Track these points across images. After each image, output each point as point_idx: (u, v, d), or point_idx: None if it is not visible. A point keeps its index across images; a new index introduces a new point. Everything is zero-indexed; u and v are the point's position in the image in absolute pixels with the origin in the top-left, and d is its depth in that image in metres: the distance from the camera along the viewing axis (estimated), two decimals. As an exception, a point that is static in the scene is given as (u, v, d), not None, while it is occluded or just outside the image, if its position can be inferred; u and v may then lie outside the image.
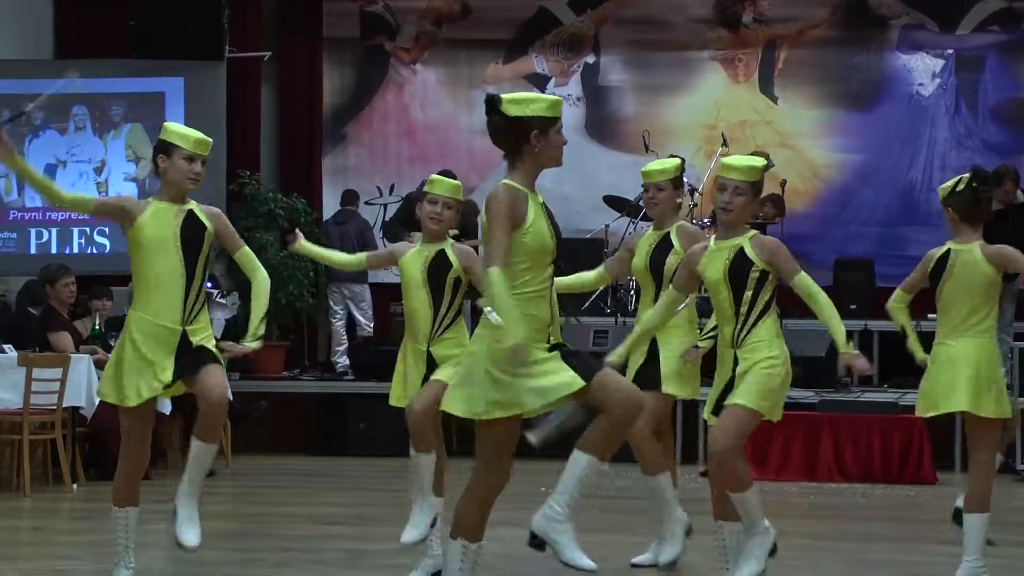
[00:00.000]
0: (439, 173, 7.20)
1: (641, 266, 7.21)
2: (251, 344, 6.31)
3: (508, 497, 10.95)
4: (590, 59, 15.64)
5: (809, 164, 15.25)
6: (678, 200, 7.40)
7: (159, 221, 6.10)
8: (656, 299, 7.14)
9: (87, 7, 14.99)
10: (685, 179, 13.57)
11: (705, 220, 13.76)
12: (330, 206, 14.97)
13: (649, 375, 7.02)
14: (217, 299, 14.03)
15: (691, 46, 15.43)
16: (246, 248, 6.32)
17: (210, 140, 6.28)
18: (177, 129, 6.23)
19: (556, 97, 5.25)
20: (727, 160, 6.20)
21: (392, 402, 6.89)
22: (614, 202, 13.79)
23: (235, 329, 13.80)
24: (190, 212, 6.16)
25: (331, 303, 13.82)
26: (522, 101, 5.15)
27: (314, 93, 15.70)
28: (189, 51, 14.21)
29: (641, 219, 13.59)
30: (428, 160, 14.58)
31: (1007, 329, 12.45)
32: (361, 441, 12.52)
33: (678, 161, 7.53)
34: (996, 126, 14.99)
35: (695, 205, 13.70)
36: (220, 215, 6.29)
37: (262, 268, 6.37)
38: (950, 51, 15.10)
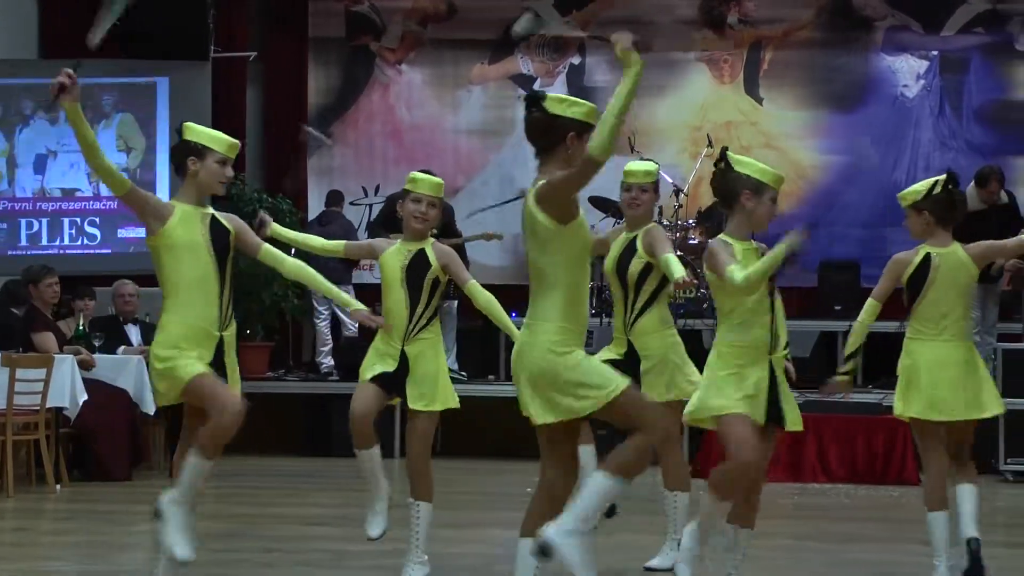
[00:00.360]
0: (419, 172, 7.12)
1: (610, 268, 7.13)
2: (363, 308, 6.44)
3: (491, 498, 10.97)
4: (575, 60, 15.63)
5: (794, 165, 15.25)
6: (656, 203, 7.36)
7: (188, 224, 5.99)
8: (625, 304, 7.07)
9: (72, 7, 14.94)
10: (671, 180, 13.74)
11: (690, 221, 13.77)
12: (315, 206, 14.95)
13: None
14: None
15: (676, 47, 15.42)
16: (266, 245, 6.25)
17: (239, 143, 6.25)
18: (207, 131, 6.15)
19: (594, 105, 5.27)
20: (779, 172, 6.15)
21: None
22: (599, 203, 13.78)
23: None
24: (213, 216, 6.08)
25: (315, 303, 13.80)
26: (564, 101, 5.21)
27: (299, 93, 15.68)
28: (174, 51, 14.20)
29: (624, 217, 13.58)
30: (414, 160, 14.56)
31: (991, 330, 12.48)
32: (346, 442, 12.35)
33: (656, 164, 7.49)
34: (980, 127, 15.01)
35: (680, 206, 13.70)
36: (237, 219, 6.20)
37: (287, 257, 6.31)
38: (934, 52, 15.12)
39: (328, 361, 13.73)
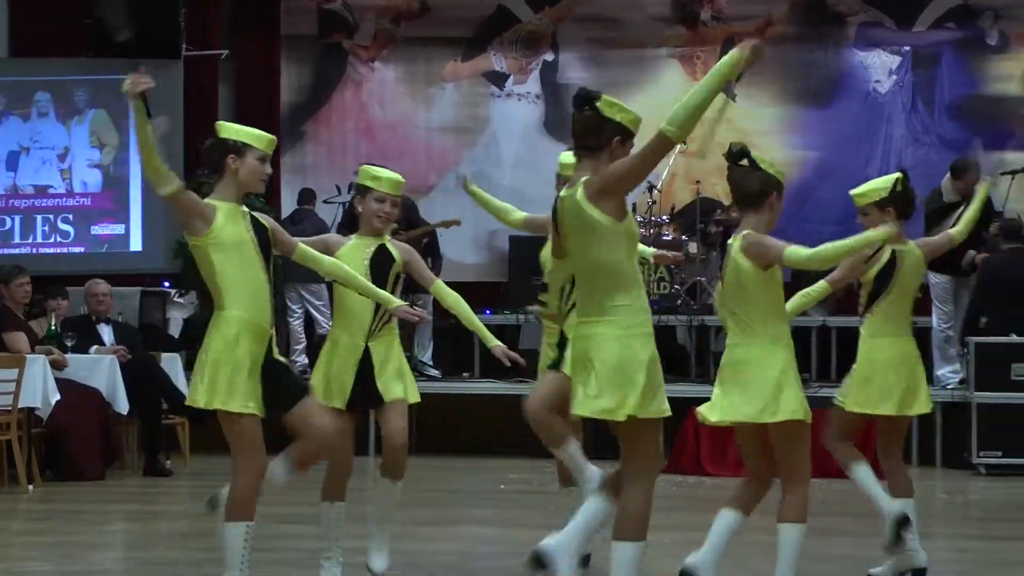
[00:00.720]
0: (374, 167, 6.94)
1: (547, 259, 6.94)
2: (403, 304, 6.40)
3: (466, 495, 10.93)
4: (548, 57, 15.63)
5: (767, 161, 15.28)
6: None
7: (234, 223, 5.84)
8: (561, 293, 6.93)
9: (43, 5, 14.89)
10: (644, 176, 13.73)
11: (664, 217, 13.78)
12: (288, 204, 14.93)
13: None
14: (175, 299, 13.96)
15: (649, 44, 15.44)
16: (301, 244, 6.18)
17: (275, 139, 6.16)
18: (245, 129, 6.02)
19: (639, 115, 5.35)
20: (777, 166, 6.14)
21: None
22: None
23: (192, 329, 13.76)
24: (252, 215, 5.95)
25: (288, 303, 13.77)
26: (616, 105, 5.27)
27: (272, 91, 15.66)
28: (145, 49, 14.16)
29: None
30: (387, 158, 14.54)
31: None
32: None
33: None
34: (952, 122, 15.06)
35: (653, 202, 13.70)
36: (269, 218, 6.11)
37: (323, 256, 6.25)
38: (907, 48, 15.17)
39: (302, 360, 13.69)
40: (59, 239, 14.41)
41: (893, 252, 6.70)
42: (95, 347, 11.39)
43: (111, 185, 14.52)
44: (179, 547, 8.05)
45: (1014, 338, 11.58)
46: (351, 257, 6.57)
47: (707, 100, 4.98)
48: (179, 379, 11.64)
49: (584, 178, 5.18)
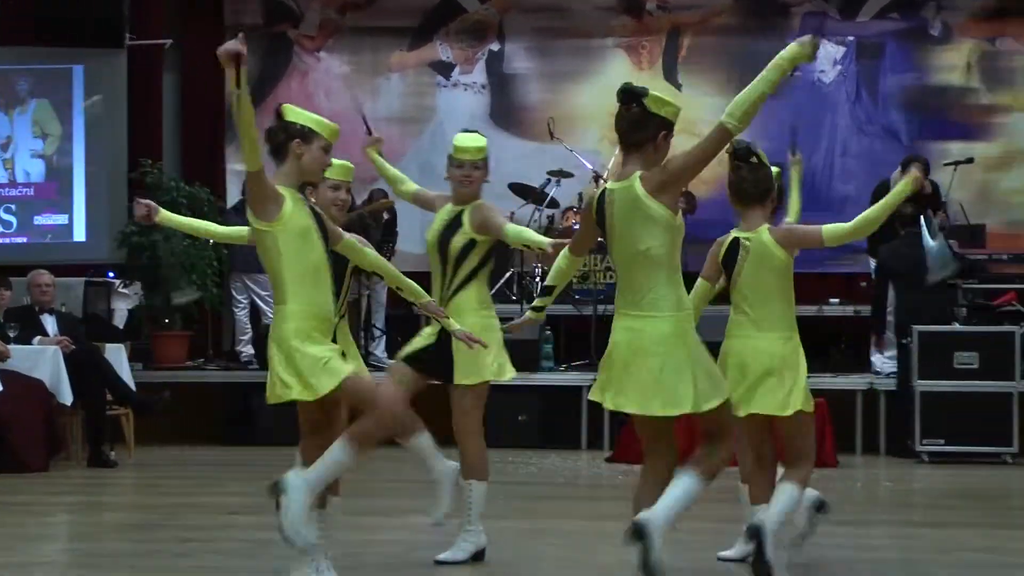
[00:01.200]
0: None
1: (432, 241, 6.93)
2: (432, 300, 6.32)
3: (417, 485, 10.89)
4: (495, 46, 15.62)
5: (713, 151, 15.31)
6: (486, 180, 7.17)
7: (300, 210, 5.76)
8: (443, 279, 6.88)
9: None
10: (591, 166, 13.77)
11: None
12: (234, 195, 14.86)
13: (442, 362, 6.83)
14: (119, 289, 13.89)
15: (595, 34, 15.45)
16: (347, 236, 6.11)
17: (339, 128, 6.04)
18: (310, 115, 5.95)
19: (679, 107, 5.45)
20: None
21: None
22: (519, 190, 13.81)
23: (136, 320, 13.70)
24: (309, 203, 5.90)
25: (234, 293, 13.72)
26: (660, 100, 5.39)
27: (218, 81, 15.52)
28: (89, 38, 14.07)
29: (544, 204, 13.59)
30: (333, 148, 14.50)
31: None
32: (266, 431, 12.44)
33: (485, 139, 7.22)
34: (896, 112, 15.15)
35: (600, 192, 13.72)
36: (316, 207, 6.06)
37: (368, 250, 6.18)
38: (851, 38, 15.24)
39: (248, 350, 13.65)
40: (2, 229, 14.31)
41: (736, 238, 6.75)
42: (38, 338, 11.32)
43: (54, 175, 14.43)
44: (123, 539, 8.01)
45: (956, 327, 11.68)
46: None
47: (766, 92, 5.12)
48: (123, 370, 11.60)
49: (638, 173, 5.28)
